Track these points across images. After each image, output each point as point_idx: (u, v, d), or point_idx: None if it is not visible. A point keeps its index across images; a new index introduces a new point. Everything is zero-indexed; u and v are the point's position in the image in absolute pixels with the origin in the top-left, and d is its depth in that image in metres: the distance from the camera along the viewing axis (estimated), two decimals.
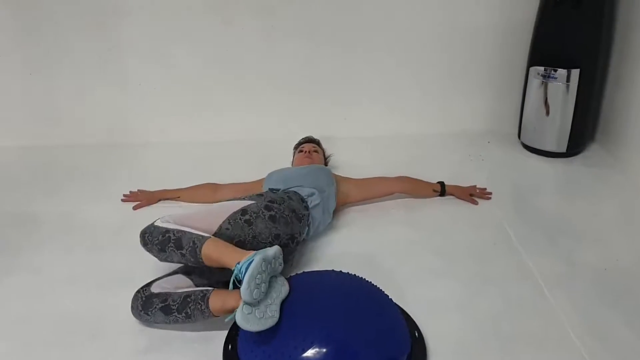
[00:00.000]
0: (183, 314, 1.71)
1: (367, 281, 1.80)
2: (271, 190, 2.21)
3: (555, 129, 2.83)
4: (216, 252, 1.71)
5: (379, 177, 2.52)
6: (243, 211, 1.91)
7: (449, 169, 2.83)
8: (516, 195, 2.58)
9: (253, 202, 1.98)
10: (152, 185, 2.72)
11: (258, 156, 3.03)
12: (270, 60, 3.09)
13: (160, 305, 1.74)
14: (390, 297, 1.82)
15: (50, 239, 2.31)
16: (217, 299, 1.69)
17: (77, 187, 2.74)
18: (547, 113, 2.81)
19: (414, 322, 1.77)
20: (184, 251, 1.74)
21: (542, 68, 2.75)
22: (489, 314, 1.84)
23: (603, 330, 1.77)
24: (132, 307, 1.80)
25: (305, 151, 2.58)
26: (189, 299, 1.72)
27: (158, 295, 1.77)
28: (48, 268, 2.14)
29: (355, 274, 1.81)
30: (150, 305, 1.75)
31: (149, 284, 1.83)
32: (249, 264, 1.58)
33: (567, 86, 2.71)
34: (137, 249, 2.16)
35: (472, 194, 2.51)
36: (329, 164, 2.75)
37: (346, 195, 2.41)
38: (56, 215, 2.48)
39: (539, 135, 2.90)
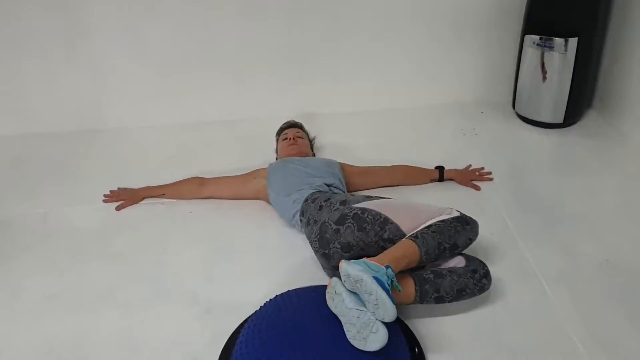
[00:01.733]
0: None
1: None
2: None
3: (551, 100, 2.70)
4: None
5: (374, 166, 2.41)
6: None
7: (442, 146, 2.72)
8: (513, 175, 2.48)
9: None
10: (134, 175, 2.61)
11: (242, 137, 2.91)
12: (250, 36, 2.90)
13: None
14: None
15: (27, 249, 2.19)
16: None
17: (52, 184, 2.60)
18: (544, 83, 2.68)
19: (413, 335, 1.71)
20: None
21: (537, 37, 2.60)
22: (490, 321, 1.78)
23: (607, 335, 1.72)
24: None
25: (290, 138, 2.45)
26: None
27: None
28: (26, 285, 2.02)
29: None
30: None
31: None
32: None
33: (565, 55, 2.57)
34: (121, 259, 2.10)
35: (473, 179, 2.41)
36: (315, 146, 2.62)
37: (348, 184, 2.30)
38: (32, 219, 2.35)
39: (535, 106, 2.78)
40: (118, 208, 2.37)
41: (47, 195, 2.51)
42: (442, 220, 1.77)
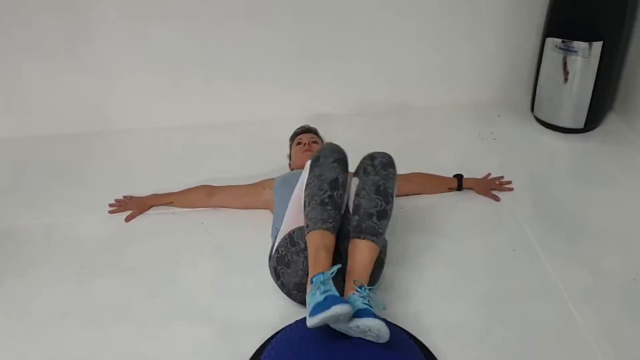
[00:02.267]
0: None
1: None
2: None
3: (572, 105, 2.62)
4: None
5: None
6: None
7: (458, 152, 2.64)
8: (533, 184, 2.40)
9: None
10: (139, 179, 2.55)
11: (250, 140, 2.84)
12: (257, 34, 2.79)
13: None
14: (407, 332, 1.71)
15: (34, 263, 2.12)
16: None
17: (57, 191, 2.52)
18: (564, 88, 2.59)
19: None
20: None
21: (559, 40, 2.50)
22: (511, 344, 1.72)
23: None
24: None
25: (304, 143, 2.37)
26: None
27: None
28: (34, 302, 1.96)
29: None
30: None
31: None
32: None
33: (588, 60, 2.48)
34: (132, 274, 2.04)
35: (493, 189, 2.34)
36: None
37: None
38: (37, 230, 2.28)
39: (554, 111, 2.69)
40: (127, 219, 2.30)
41: (52, 203, 2.44)
42: (306, 186, 1.78)
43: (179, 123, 2.95)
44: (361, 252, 1.69)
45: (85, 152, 2.81)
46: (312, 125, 2.58)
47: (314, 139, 2.41)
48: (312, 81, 2.95)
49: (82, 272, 2.07)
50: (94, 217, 2.34)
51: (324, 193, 1.72)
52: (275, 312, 1.86)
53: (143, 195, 2.38)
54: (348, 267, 1.68)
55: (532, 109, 2.81)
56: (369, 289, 1.59)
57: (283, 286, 1.82)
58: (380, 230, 1.72)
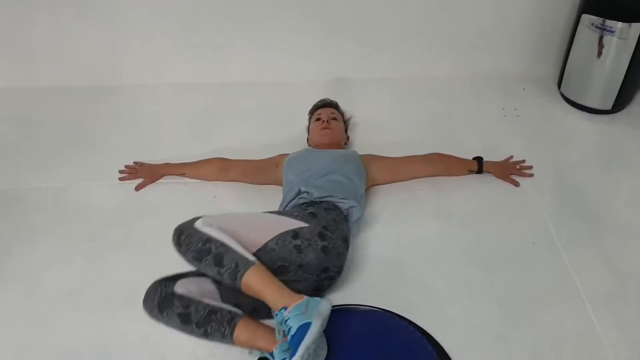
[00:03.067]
0: (202, 330, 1.57)
1: (400, 323, 1.66)
2: (307, 200, 1.92)
3: (602, 86, 2.51)
4: (260, 285, 1.56)
5: (408, 157, 2.24)
6: (295, 234, 1.69)
7: (481, 128, 2.56)
8: (555, 169, 2.32)
9: (306, 225, 1.73)
10: (151, 139, 2.50)
11: (266, 103, 2.75)
12: None
13: (180, 310, 1.58)
14: (422, 329, 1.69)
15: (42, 233, 2.08)
16: (245, 332, 1.56)
17: (66, 151, 2.47)
18: (596, 67, 2.47)
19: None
20: (222, 270, 1.57)
21: (597, 18, 2.36)
22: (526, 347, 1.70)
23: None
24: (146, 298, 1.63)
25: (323, 120, 2.27)
26: (213, 317, 1.57)
27: (181, 297, 1.60)
28: (44, 278, 1.93)
29: (386, 313, 1.66)
30: (168, 306, 1.59)
31: (172, 279, 1.66)
32: (305, 329, 1.43)
33: (625, 42, 2.34)
34: (143, 251, 2.00)
35: (513, 173, 2.26)
36: (348, 127, 2.46)
37: (373, 180, 2.17)
38: (46, 195, 2.24)
39: (583, 90, 2.58)
40: (137, 188, 2.24)
41: (61, 166, 2.39)
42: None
43: (192, 80, 2.86)
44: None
45: (94, 108, 2.73)
46: (331, 90, 2.48)
47: (333, 115, 2.32)
48: (333, 43, 2.83)
49: (92, 245, 2.04)
50: (104, 184, 2.29)
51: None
52: None
53: (154, 163, 2.31)
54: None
55: (559, 86, 2.70)
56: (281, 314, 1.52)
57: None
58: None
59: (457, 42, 2.83)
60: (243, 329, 1.56)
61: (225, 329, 1.56)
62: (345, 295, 1.82)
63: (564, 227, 2.07)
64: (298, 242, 1.67)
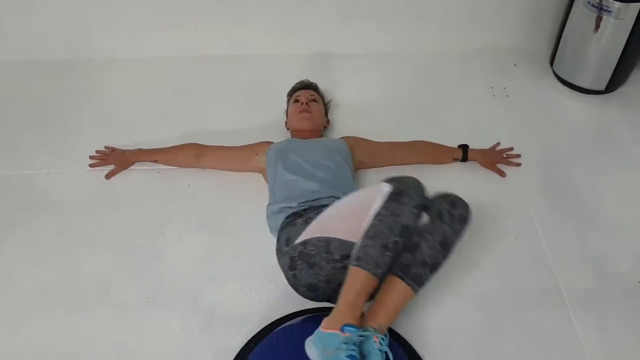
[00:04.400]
0: None
1: None
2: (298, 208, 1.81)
3: (596, 67, 2.40)
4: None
5: (392, 144, 2.16)
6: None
7: (468, 110, 2.46)
8: (544, 158, 2.24)
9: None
10: (123, 118, 2.41)
11: (246, 79, 2.62)
12: None
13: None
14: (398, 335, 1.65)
15: (10, 226, 2.00)
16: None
17: (33, 132, 2.36)
18: (591, 47, 2.35)
19: None
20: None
21: None
22: (507, 354, 1.66)
23: None
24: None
25: (302, 102, 2.17)
26: None
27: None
28: (11, 274, 1.87)
29: None
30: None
31: None
32: None
33: (621, 22, 2.22)
34: (115, 246, 1.93)
35: (499, 162, 2.18)
36: (329, 110, 2.36)
37: (360, 163, 2.09)
38: (13, 183, 2.15)
39: (576, 68, 2.47)
40: (108, 176, 2.15)
41: (29, 149, 2.29)
42: (377, 214, 1.53)
43: (168, 54, 2.72)
44: (399, 297, 1.57)
45: (64, 85, 2.60)
46: (313, 65, 2.36)
47: (312, 97, 2.21)
48: (316, 15, 2.68)
49: (61, 240, 1.96)
50: (75, 170, 2.20)
51: (392, 237, 1.51)
52: (262, 300, 1.79)
53: (126, 149, 2.22)
54: (376, 299, 1.58)
55: (552, 63, 2.58)
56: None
57: (294, 278, 1.66)
58: (426, 283, 1.59)
59: (447, 14, 2.69)
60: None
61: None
62: None
63: (550, 222, 2.01)
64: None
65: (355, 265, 1.50)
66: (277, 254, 1.75)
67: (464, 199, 1.68)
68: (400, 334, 1.67)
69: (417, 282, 1.57)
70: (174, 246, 1.94)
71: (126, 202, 2.08)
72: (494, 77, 2.61)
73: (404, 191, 1.56)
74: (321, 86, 2.35)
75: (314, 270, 1.60)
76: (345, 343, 1.39)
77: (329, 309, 1.63)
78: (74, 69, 2.66)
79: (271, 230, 1.87)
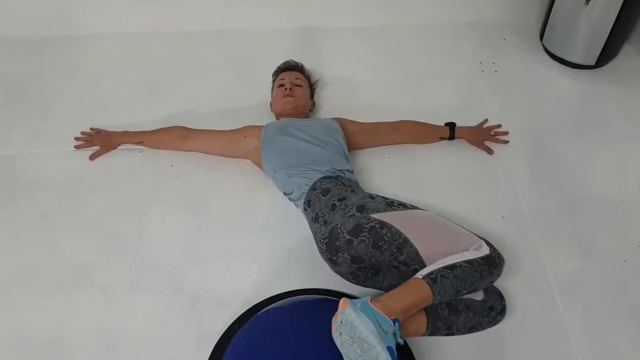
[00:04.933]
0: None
1: None
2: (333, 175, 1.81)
3: (586, 41, 2.36)
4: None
5: (377, 124, 2.12)
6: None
7: (456, 85, 2.43)
8: (532, 134, 2.21)
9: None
10: (105, 97, 2.37)
11: (232, 55, 2.57)
12: None
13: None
14: None
15: None
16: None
17: (13, 111, 2.32)
18: (582, 20, 2.31)
19: (411, 353, 1.60)
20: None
21: None
22: (492, 337, 1.64)
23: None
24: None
25: (287, 87, 2.11)
26: None
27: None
28: None
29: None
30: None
31: None
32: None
33: None
34: (98, 227, 1.91)
35: (486, 139, 2.16)
36: (315, 90, 2.31)
37: (349, 144, 2.05)
38: None
39: (566, 43, 2.43)
40: (92, 157, 2.12)
41: (9, 129, 2.25)
42: (468, 262, 1.51)
43: (150, 29, 2.67)
44: (415, 325, 1.53)
45: (43, 62, 2.55)
46: (300, 40, 2.31)
47: (298, 80, 2.16)
48: None
49: (44, 222, 1.94)
50: (57, 151, 2.16)
51: (464, 290, 1.52)
52: (246, 281, 1.78)
53: (111, 130, 2.18)
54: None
55: (542, 37, 2.54)
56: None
57: (347, 243, 1.59)
58: (434, 335, 1.57)
59: None
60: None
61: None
62: (310, 280, 1.76)
63: (536, 200, 1.99)
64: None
65: (427, 282, 1.48)
66: (325, 208, 1.70)
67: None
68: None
69: (432, 331, 1.55)
70: (158, 227, 1.92)
71: (109, 182, 2.05)
72: (483, 52, 2.57)
73: (498, 267, 1.57)
74: (307, 63, 2.30)
75: (375, 251, 1.57)
76: (394, 334, 1.39)
77: (316, 292, 1.64)
78: (52, 46, 2.61)
79: (291, 190, 1.84)
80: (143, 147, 2.14)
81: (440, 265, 1.50)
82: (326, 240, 1.63)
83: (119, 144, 2.15)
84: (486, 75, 2.47)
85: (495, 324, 1.61)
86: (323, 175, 1.79)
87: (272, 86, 2.22)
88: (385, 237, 1.56)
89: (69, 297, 1.75)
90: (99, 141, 2.15)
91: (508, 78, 2.45)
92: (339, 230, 1.61)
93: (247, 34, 2.65)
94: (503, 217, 1.95)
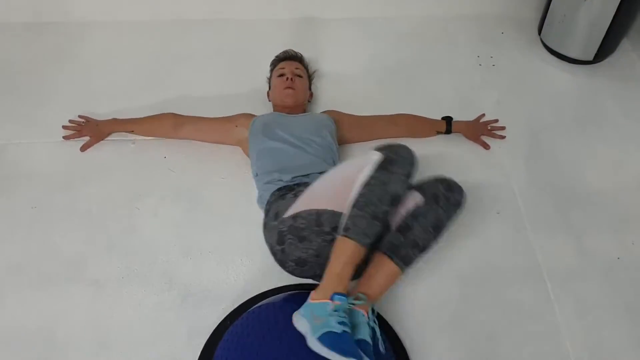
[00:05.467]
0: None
1: None
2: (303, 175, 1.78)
3: (585, 36, 2.34)
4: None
5: (373, 117, 2.10)
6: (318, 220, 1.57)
7: (454, 79, 2.40)
8: (529, 130, 2.19)
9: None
10: (98, 85, 2.34)
11: (227, 46, 2.54)
12: None
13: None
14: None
15: None
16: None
17: (4, 99, 2.28)
18: (580, 15, 2.28)
19: (403, 348, 1.60)
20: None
21: None
22: (485, 331, 1.66)
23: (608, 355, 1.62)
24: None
25: (287, 77, 2.08)
26: None
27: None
28: None
29: None
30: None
31: None
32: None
33: None
34: (89, 220, 1.89)
35: (483, 134, 2.14)
36: (312, 81, 2.29)
37: (341, 138, 2.04)
38: None
39: (564, 38, 2.40)
40: (83, 148, 2.09)
41: (1, 119, 2.21)
42: (366, 184, 1.50)
43: (145, 17, 2.62)
44: (387, 275, 1.56)
45: (36, 49, 2.50)
46: (297, 31, 2.29)
47: (298, 71, 2.12)
48: None
49: (34, 213, 1.91)
50: (48, 141, 2.13)
51: (381, 206, 1.49)
52: (239, 276, 1.76)
53: (100, 119, 2.15)
54: (363, 277, 1.56)
55: (540, 32, 2.51)
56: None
57: (282, 253, 1.61)
58: (414, 264, 1.58)
59: None
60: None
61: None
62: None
63: (532, 197, 1.98)
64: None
65: (344, 235, 1.48)
66: (264, 227, 1.71)
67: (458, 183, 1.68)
68: (375, 310, 1.65)
69: (405, 262, 1.56)
70: (150, 220, 1.90)
71: (101, 174, 2.03)
72: (481, 46, 2.55)
73: (394, 159, 1.53)
74: (304, 53, 2.27)
75: (304, 244, 1.56)
76: (335, 310, 1.38)
77: (308, 287, 1.63)
78: (45, 34, 2.56)
79: (259, 201, 1.84)
80: (135, 136, 2.11)
81: (348, 211, 1.50)
82: (272, 255, 1.67)
83: (108, 134, 2.12)
84: (484, 70, 2.45)
85: (456, 209, 1.63)
86: (282, 186, 1.76)
87: (270, 76, 2.19)
88: (302, 225, 1.56)
89: (59, 291, 1.73)
90: (88, 131, 2.11)
91: (506, 72, 2.43)
92: (273, 246, 1.64)
93: (244, 24, 2.62)
94: (498, 212, 1.94)
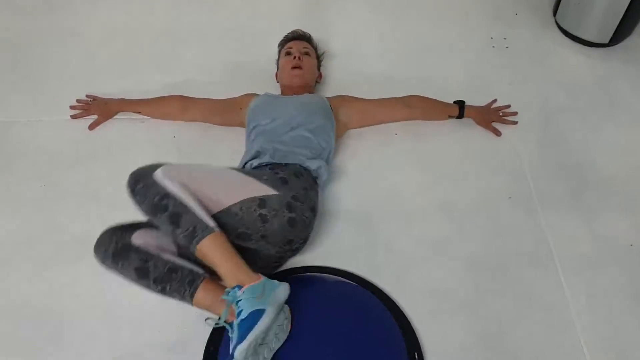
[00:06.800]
0: (159, 287, 1.49)
1: (362, 292, 1.63)
2: (271, 160, 1.76)
3: (601, 18, 2.29)
4: (217, 255, 1.45)
5: (384, 100, 2.06)
6: (261, 202, 1.55)
7: (466, 61, 2.37)
8: (542, 114, 2.16)
9: (275, 192, 1.58)
10: (105, 62, 2.32)
11: (232, 25, 2.50)
12: None
13: (138, 264, 1.48)
14: (384, 293, 1.66)
15: None
16: (207, 297, 1.47)
17: (11, 76, 2.27)
18: None
19: (414, 334, 1.59)
20: (178, 231, 1.45)
21: None
22: (496, 318, 1.65)
23: (619, 347, 1.61)
24: (99, 246, 1.53)
25: (295, 56, 2.06)
26: (173, 275, 1.48)
27: (138, 250, 1.50)
28: None
29: (346, 281, 1.64)
30: (124, 258, 1.49)
31: (128, 228, 1.55)
32: (258, 317, 1.37)
33: None
34: (97, 201, 1.87)
35: (494, 121, 2.10)
36: (322, 61, 2.25)
37: (345, 125, 2.02)
38: None
39: (580, 20, 2.35)
40: (91, 127, 2.08)
41: (6, 95, 2.20)
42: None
43: None
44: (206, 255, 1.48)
45: (42, 25, 2.47)
46: (306, 6, 2.26)
47: (306, 50, 2.10)
48: None
49: (43, 191, 1.91)
50: (55, 119, 2.12)
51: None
52: None
53: (108, 98, 2.13)
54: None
55: (555, 13, 2.47)
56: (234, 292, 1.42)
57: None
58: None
59: None
60: (204, 294, 1.47)
61: (185, 290, 1.47)
62: (306, 256, 1.74)
63: (544, 182, 1.96)
64: (264, 211, 1.54)
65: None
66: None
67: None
68: (389, 295, 1.65)
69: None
70: None
71: (110, 152, 2.02)
72: (495, 26, 2.50)
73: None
74: (314, 33, 2.24)
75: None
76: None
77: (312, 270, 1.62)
78: (52, 8, 2.53)
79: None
80: (142, 116, 2.09)
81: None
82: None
83: (116, 112, 2.11)
84: (497, 51, 2.40)
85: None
86: (257, 164, 1.76)
87: (279, 56, 2.16)
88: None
89: (67, 268, 1.73)
90: (96, 110, 2.10)
91: (519, 55, 2.39)
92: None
93: (251, 2, 2.58)
94: (510, 197, 1.92)
